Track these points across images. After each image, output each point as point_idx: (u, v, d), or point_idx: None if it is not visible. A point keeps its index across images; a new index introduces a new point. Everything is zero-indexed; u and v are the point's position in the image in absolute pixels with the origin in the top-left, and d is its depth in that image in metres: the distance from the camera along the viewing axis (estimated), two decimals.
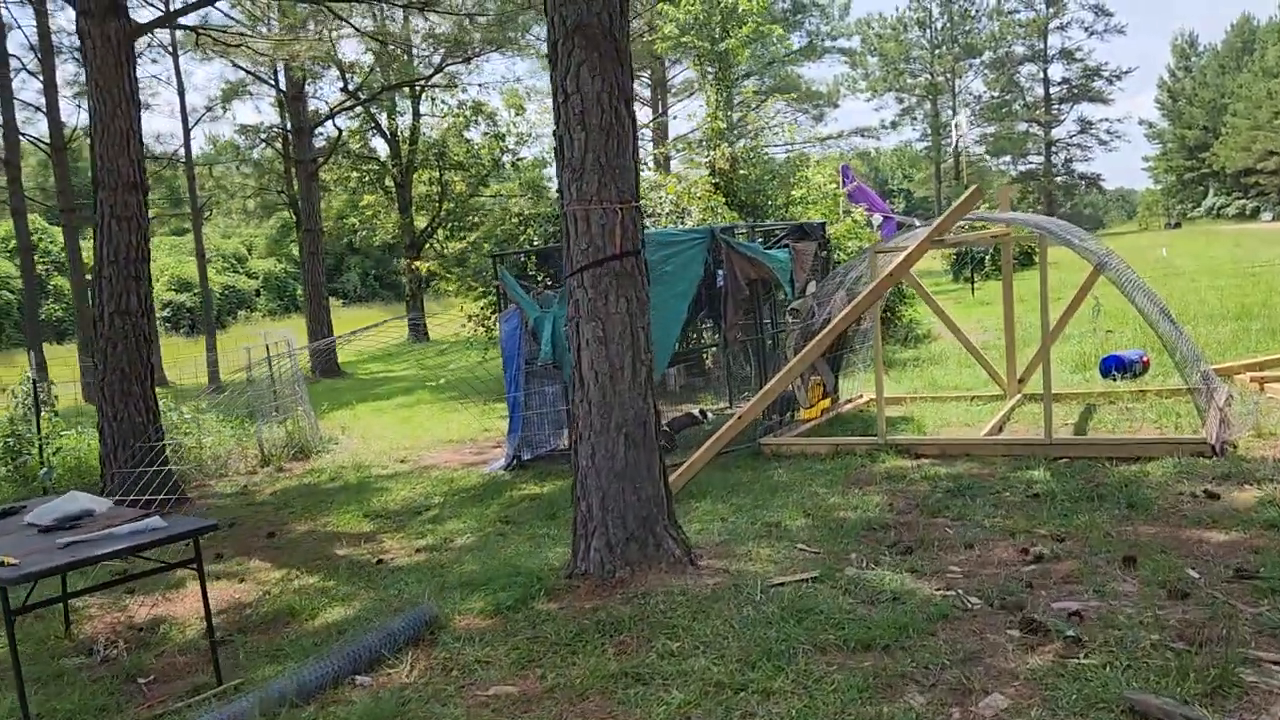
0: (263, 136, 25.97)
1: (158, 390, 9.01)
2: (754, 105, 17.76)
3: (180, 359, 24.59)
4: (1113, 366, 10.71)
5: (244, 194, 29.18)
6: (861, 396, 11.03)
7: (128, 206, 8.39)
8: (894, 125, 53.79)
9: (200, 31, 13.36)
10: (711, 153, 14.59)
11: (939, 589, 5.03)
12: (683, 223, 13.01)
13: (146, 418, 8.57)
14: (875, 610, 4.75)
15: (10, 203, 18.96)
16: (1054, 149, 65.29)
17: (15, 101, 19.40)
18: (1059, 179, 66.35)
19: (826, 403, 10.36)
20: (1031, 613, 4.61)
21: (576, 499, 5.37)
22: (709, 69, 17.28)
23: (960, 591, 4.95)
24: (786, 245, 9.91)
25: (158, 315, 52.44)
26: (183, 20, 12.32)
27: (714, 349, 11.65)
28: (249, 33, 15.10)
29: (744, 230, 9.80)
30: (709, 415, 11.07)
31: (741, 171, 14.38)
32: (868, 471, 7.70)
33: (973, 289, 25.02)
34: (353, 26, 15.83)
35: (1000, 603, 4.78)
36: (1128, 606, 4.59)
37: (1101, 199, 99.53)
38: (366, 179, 29.68)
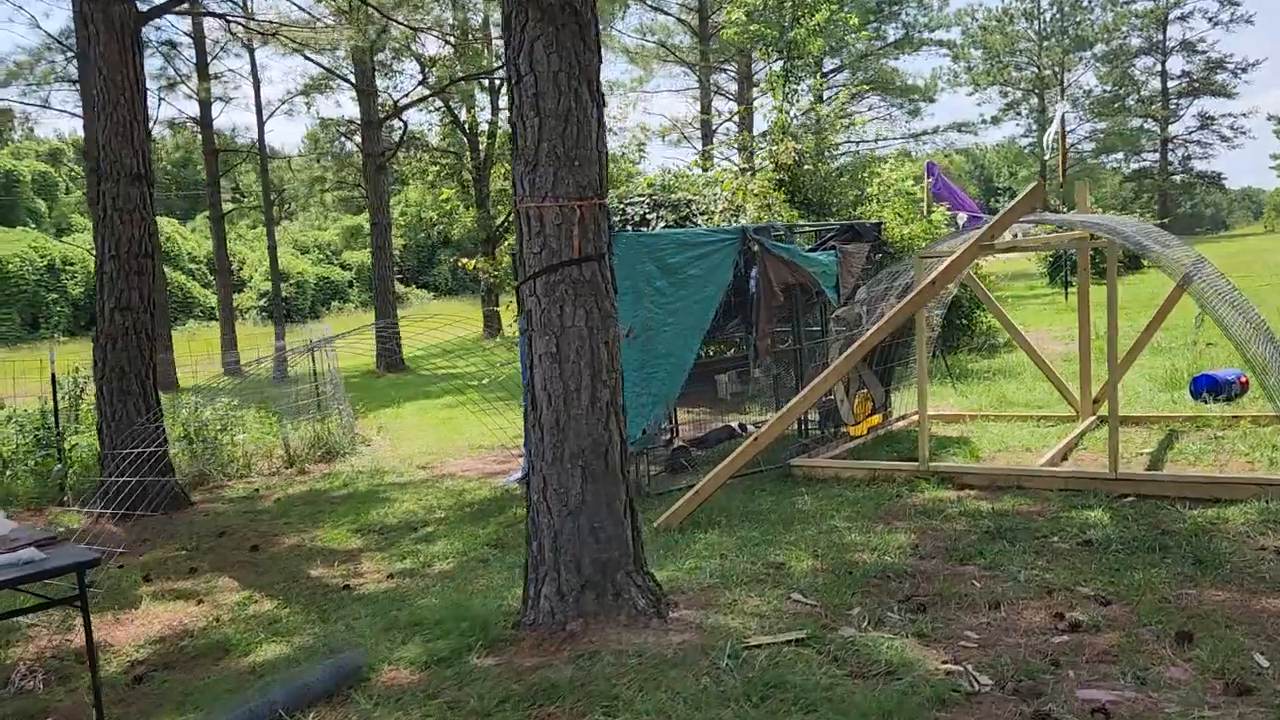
0: (341, 131, 26.03)
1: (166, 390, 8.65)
2: (833, 98, 16.80)
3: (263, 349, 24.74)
4: (1205, 387, 9.56)
5: (322, 187, 29.36)
6: (916, 413, 10.09)
7: (130, 199, 8.06)
8: (995, 120, 51.42)
9: (230, 19, 13.15)
10: (774, 147, 13.75)
11: (945, 662, 4.23)
12: (737, 222, 12.23)
13: (147, 418, 8.23)
14: (861, 688, 3.97)
15: (88, 194, 19.22)
16: (1170, 146, 61.83)
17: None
18: (1176, 177, 62.85)
19: (876, 419, 9.49)
20: (1049, 702, 3.79)
21: (528, 537, 4.71)
22: (777, 58, 16.39)
23: (969, 667, 4.14)
24: (833, 248, 9.07)
25: (253, 306, 53.92)
26: (210, 6, 12.09)
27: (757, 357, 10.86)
28: (281, 21, 14.89)
29: (779, 231, 8.99)
30: (749, 429, 10.29)
31: (806, 167, 13.51)
32: (901, 504, 6.86)
33: (1066, 293, 23.50)
34: (408, 28, 15.44)
35: (1014, 686, 3.96)
36: (1171, 702, 3.72)
37: (1224, 199, 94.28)
38: (444, 173, 29.55)
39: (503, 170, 28.19)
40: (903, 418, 9.85)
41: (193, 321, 47.92)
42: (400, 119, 24.95)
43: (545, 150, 4.39)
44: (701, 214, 12.75)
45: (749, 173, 13.12)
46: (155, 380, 8.38)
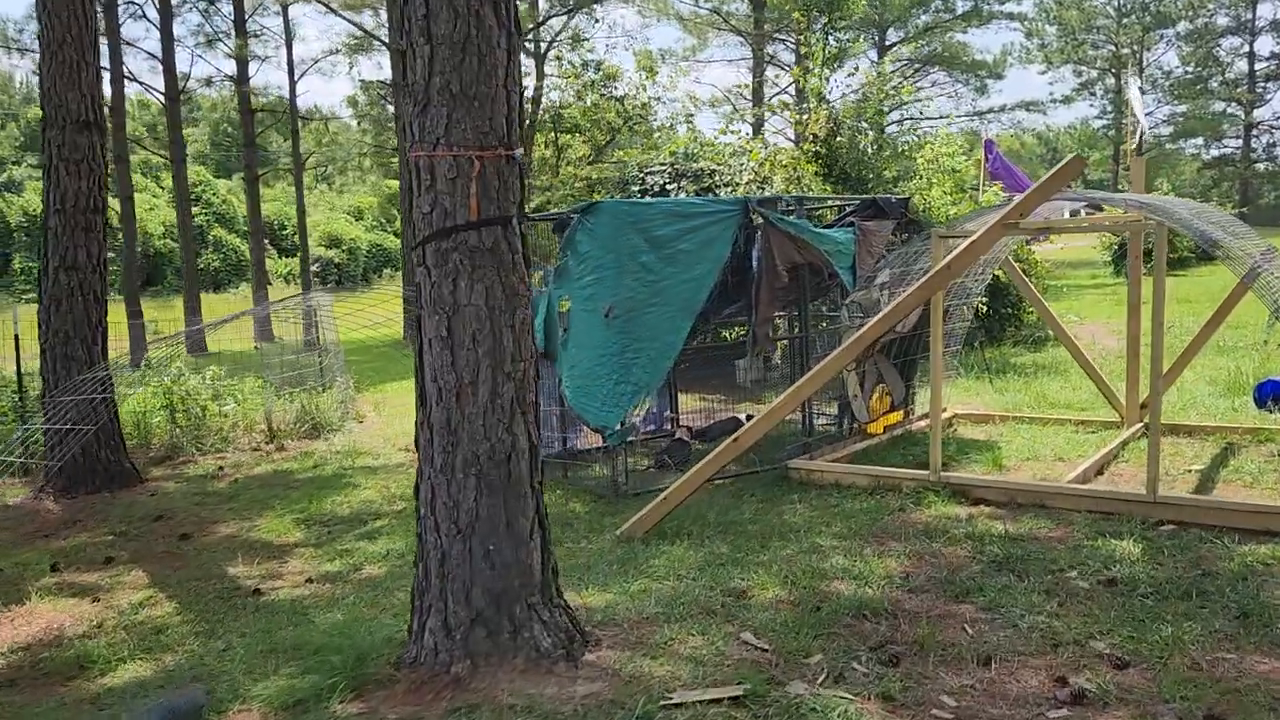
0: (380, 94, 25.44)
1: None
2: (878, 64, 15.68)
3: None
4: (1271, 394, 8.47)
5: (360, 151, 28.85)
6: (945, 410, 9.14)
7: (78, 148, 7.43)
8: (1068, 100, 49.26)
9: None
10: (805, 116, 12.74)
11: None
12: (762, 193, 11.30)
13: (82, 389, 7.63)
14: None
15: (114, 150, 18.87)
16: (1254, 132, 58.85)
17: (124, 47, 19.24)
18: (1259, 165, 59.86)
19: (895, 417, 8.56)
20: None
21: (416, 559, 3.93)
22: (819, 18, 15.27)
23: None
24: (852, 224, 8.13)
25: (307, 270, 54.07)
26: None
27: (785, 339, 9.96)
28: None
29: (789, 204, 8.08)
30: None
31: (839, 139, 12.49)
32: (902, 520, 5.96)
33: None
34: None
35: None
36: None
37: None
38: None
39: (543, 138, 27.39)
40: (925, 416, 8.89)
41: (245, 285, 48.09)
42: None
43: (438, 86, 3.57)
44: (725, 185, 11.85)
45: (793, 142, 12.12)
46: (105, 345, 7.77)
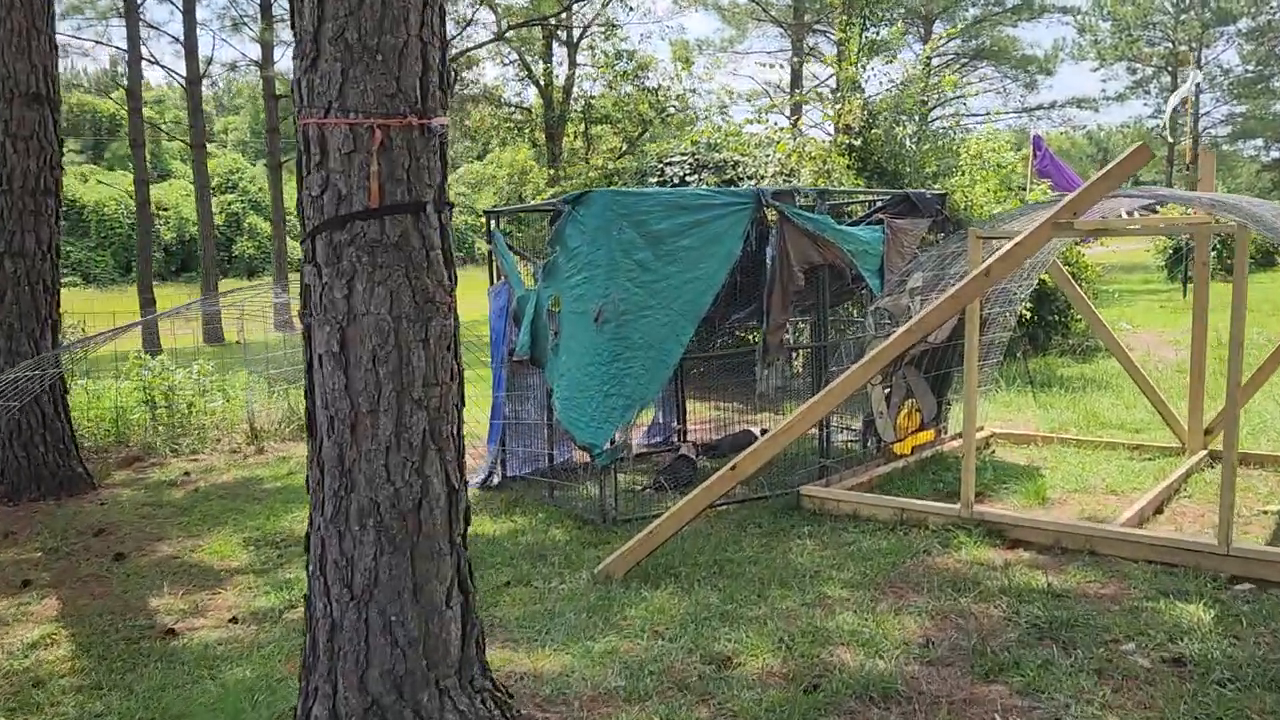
0: None
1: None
2: (920, 56, 14.72)
3: None
4: None
5: None
6: (983, 429, 8.25)
7: (25, 123, 6.77)
8: (1121, 98, 47.52)
9: None
10: (838, 106, 11.84)
11: None
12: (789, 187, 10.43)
13: (40, 384, 6.99)
14: None
15: (130, 134, 18.38)
16: None
17: (142, 25, 18.74)
18: None
19: (926, 436, 7.69)
20: None
21: (306, 623, 3.17)
22: (855, 4, 14.31)
23: None
24: (880, 222, 7.28)
25: None
26: None
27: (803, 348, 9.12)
28: None
29: (808, 197, 7.23)
30: None
31: (875, 131, 11.58)
32: (927, 565, 5.12)
33: (1185, 290, 20.89)
34: None
35: None
36: None
37: None
38: (513, 130, 28.09)
39: (574, 129, 26.63)
40: (959, 436, 8.02)
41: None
42: (454, 64, 23.49)
43: (329, 35, 2.80)
44: (749, 178, 11.01)
45: (829, 137, 11.24)
46: (54, 340, 7.12)
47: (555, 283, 6.41)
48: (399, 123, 2.83)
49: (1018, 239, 4.94)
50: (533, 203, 6.57)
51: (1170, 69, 52.19)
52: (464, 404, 3.16)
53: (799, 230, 6.62)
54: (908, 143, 12.27)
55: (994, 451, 7.88)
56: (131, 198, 45.38)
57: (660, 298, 6.12)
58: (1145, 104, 53.98)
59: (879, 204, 7.57)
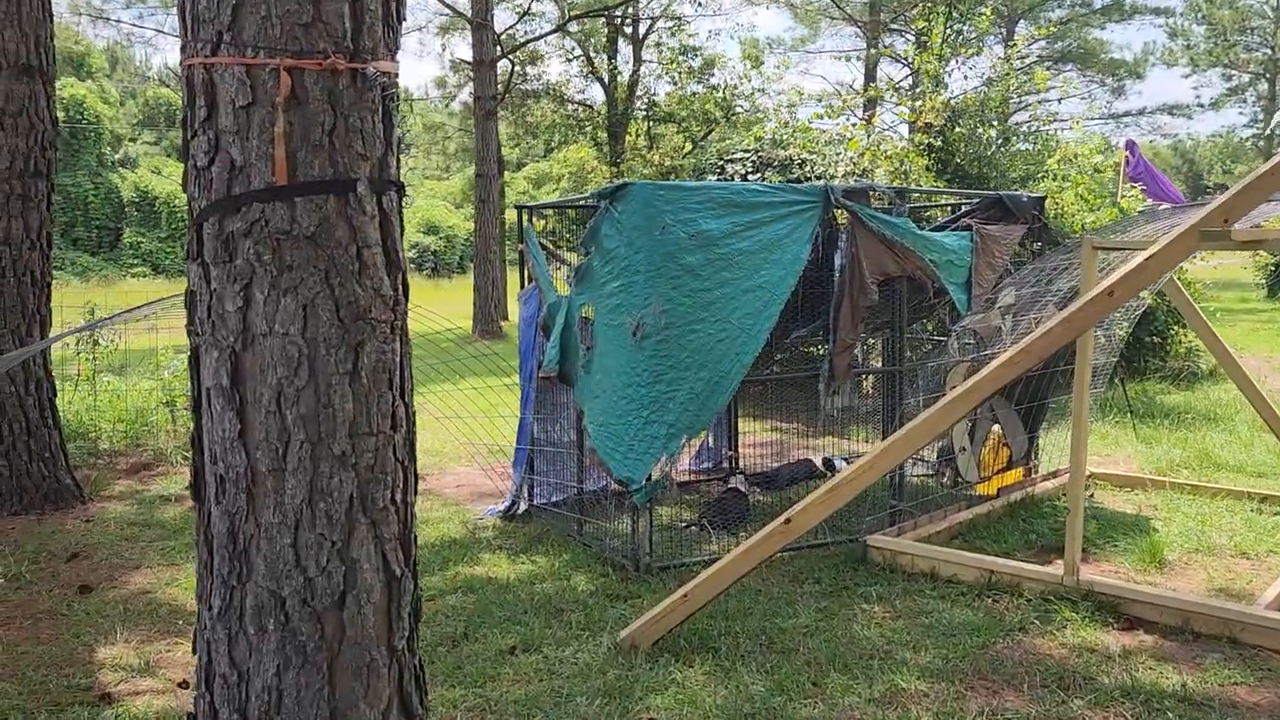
0: (469, 75, 24.21)
1: None
2: (1009, 49, 13.63)
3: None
4: None
5: (444, 134, 27.70)
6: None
7: (14, 97, 6.13)
8: (1216, 105, 45.24)
9: None
10: (917, 102, 10.83)
11: None
12: None
13: (25, 388, 6.35)
14: None
15: None
16: None
17: None
18: None
19: (1015, 475, 6.71)
20: None
21: None
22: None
23: None
24: (969, 228, 6.31)
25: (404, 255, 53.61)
26: None
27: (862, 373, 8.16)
28: None
29: (886, 196, 6.28)
30: (838, 465, 7.66)
31: (958, 130, 10.54)
32: (1023, 649, 4.17)
33: None
34: None
35: None
36: None
37: None
38: (575, 126, 27.39)
39: (637, 127, 25.81)
40: (1053, 475, 7.00)
41: None
42: (510, 60, 22.82)
43: None
44: (817, 178, 10.06)
45: (913, 133, 10.24)
46: (44, 335, 6.48)
47: (589, 289, 5.57)
48: (316, 65, 2.00)
49: (1151, 251, 3.97)
50: (569, 197, 5.75)
51: (1269, 76, 49.66)
52: (415, 459, 2.32)
53: (874, 235, 5.69)
54: (993, 144, 11.19)
55: (1093, 495, 6.85)
56: None
57: (713, 310, 5.24)
58: (1241, 112, 51.55)
59: (966, 208, 6.59)
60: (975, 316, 6.25)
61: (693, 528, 6.16)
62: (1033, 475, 6.87)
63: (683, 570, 5.26)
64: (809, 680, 3.88)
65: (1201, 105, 41.91)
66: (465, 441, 8.43)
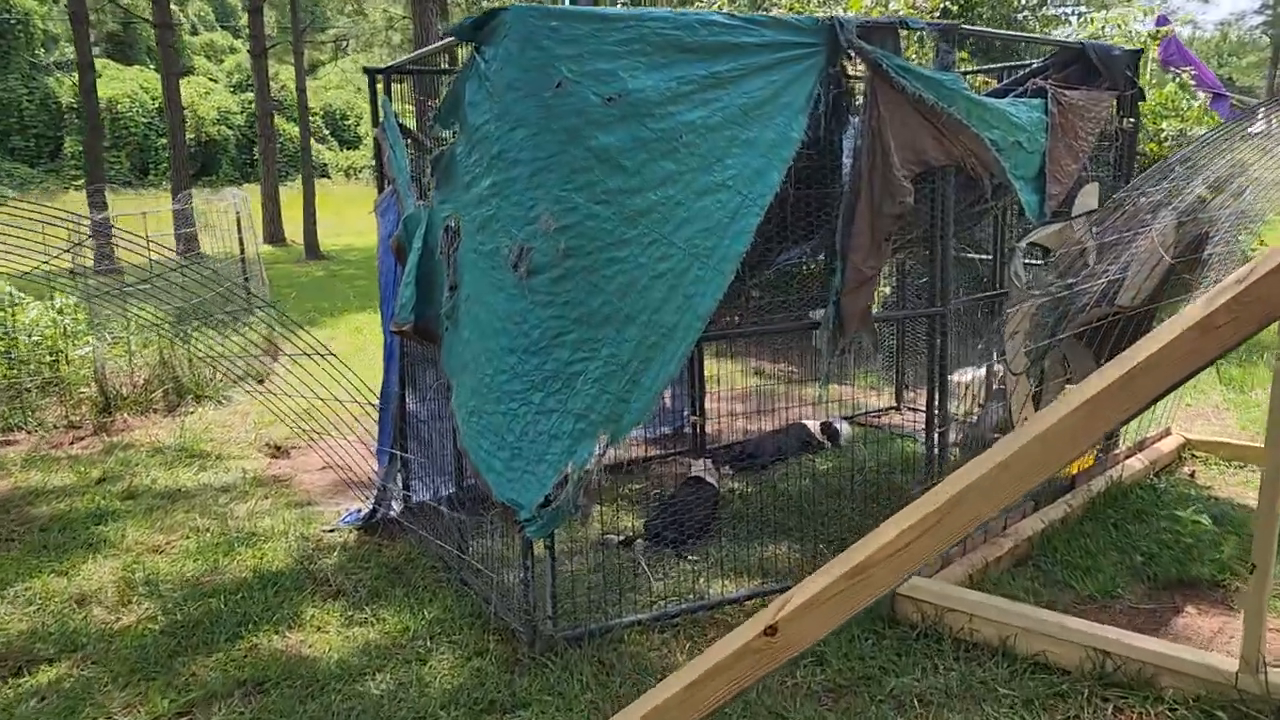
0: None
1: None
2: None
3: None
4: None
5: (387, 24, 24.99)
6: (1169, 433, 5.28)
7: None
8: None
9: None
10: None
11: None
12: None
13: None
14: None
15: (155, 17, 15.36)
16: None
17: None
18: None
19: (1088, 458, 4.75)
20: None
21: None
22: None
23: None
24: (1041, 91, 4.21)
25: (368, 165, 50.67)
26: None
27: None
28: None
29: (922, 31, 4.16)
30: (843, 430, 5.67)
31: None
32: None
33: None
34: None
35: None
36: None
37: None
38: None
39: None
40: (1140, 447, 5.04)
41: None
42: None
43: None
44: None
45: None
46: None
47: (454, 194, 3.48)
48: None
49: None
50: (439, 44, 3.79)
51: None
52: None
53: (906, 100, 3.58)
54: (1025, 6, 9.00)
55: (1194, 475, 4.93)
56: (147, 93, 42.65)
57: (646, 225, 3.16)
58: None
59: (1037, 63, 4.49)
60: (1048, 228, 4.19)
61: (623, 544, 4.19)
62: (1113, 453, 4.90)
63: (605, 644, 3.30)
64: None
65: None
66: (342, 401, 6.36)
